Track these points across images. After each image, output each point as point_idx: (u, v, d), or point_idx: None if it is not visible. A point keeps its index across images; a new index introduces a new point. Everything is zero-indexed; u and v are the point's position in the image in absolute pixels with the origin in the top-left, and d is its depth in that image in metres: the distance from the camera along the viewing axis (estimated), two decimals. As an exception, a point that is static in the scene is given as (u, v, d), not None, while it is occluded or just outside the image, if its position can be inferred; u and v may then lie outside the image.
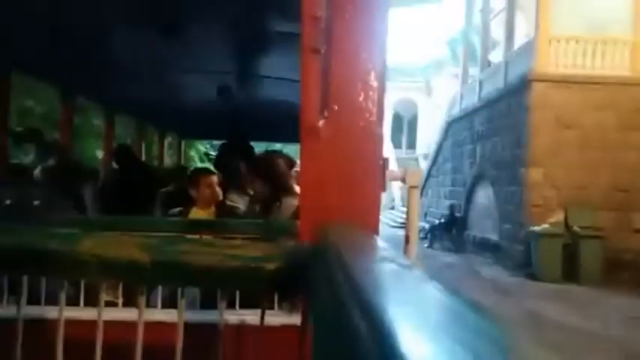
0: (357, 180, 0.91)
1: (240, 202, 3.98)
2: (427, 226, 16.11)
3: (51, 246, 0.90)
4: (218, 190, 3.59)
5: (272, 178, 3.08)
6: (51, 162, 3.69)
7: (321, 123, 1.00)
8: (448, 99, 19.12)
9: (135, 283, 1.00)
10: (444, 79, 26.83)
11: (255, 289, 1.00)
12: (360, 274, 0.54)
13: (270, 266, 0.85)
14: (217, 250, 0.87)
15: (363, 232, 0.84)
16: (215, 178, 3.64)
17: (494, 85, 13.53)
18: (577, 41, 11.15)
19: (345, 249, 0.68)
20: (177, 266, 0.88)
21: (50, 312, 1.82)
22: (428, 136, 25.95)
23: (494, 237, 12.89)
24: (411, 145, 32.52)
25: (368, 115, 0.88)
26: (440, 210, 16.95)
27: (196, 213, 3.43)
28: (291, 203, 2.97)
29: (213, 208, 3.50)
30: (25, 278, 1.47)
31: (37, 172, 3.65)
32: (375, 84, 0.88)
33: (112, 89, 4.77)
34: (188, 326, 1.11)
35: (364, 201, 0.91)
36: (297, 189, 2.98)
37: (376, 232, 0.89)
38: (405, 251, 1.09)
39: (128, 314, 1.81)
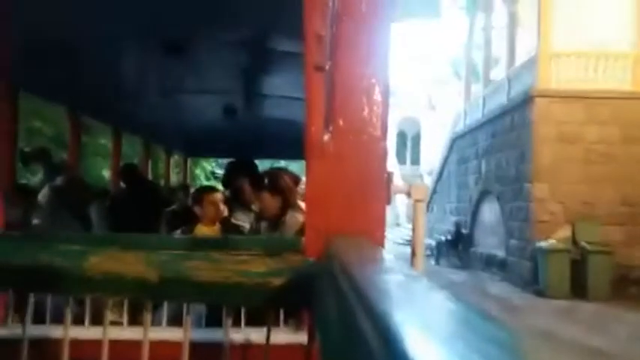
0: (361, 194, 0.91)
1: (246, 221, 3.99)
2: (433, 242, 16.03)
3: (57, 263, 0.90)
4: (222, 207, 3.59)
5: (279, 193, 3.09)
6: (59, 181, 3.70)
7: (325, 138, 1.00)
8: (451, 116, 19.17)
9: (141, 299, 0.99)
10: (446, 97, 26.94)
11: (261, 305, 0.99)
12: (368, 287, 0.53)
13: (276, 282, 0.84)
14: (223, 266, 0.86)
15: (369, 245, 0.83)
16: (219, 196, 3.64)
17: (498, 101, 13.57)
18: (579, 56, 11.19)
19: (351, 262, 0.68)
20: (183, 282, 0.87)
21: (55, 331, 1.81)
22: (432, 152, 25.98)
23: (500, 253, 12.80)
24: (415, 161, 32.55)
25: (372, 130, 0.88)
26: (446, 226, 16.88)
27: (200, 230, 3.43)
28: (296, 219, 2.97)
29: (217, 226, 3.50)
30: (30, 296, 1.46)
31: (43, 191, 3.66)
32: (378, 99, 0.88)
33: (119, 108, 4.81)
34: (193, 345, 1.10)
35: (369, 215, 0.90)
36: (303, 205, 2.98)
37: (382, 245, 0.88)
38: (412, 265, 1.09)
39: (133, 333, 1.80)
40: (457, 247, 15.32)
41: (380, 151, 0.89)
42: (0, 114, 3.34)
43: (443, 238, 15.87)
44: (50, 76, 3.58)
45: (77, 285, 0.91)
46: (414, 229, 1.17)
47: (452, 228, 15.86)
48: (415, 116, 31.46)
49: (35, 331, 1.89)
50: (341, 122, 0.91)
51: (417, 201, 1.12)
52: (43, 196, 3.56)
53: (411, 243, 1.18)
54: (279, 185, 3.13)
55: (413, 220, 1.17)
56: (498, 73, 15.08)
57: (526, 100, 11.47)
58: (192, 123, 5.81)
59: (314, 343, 0.91)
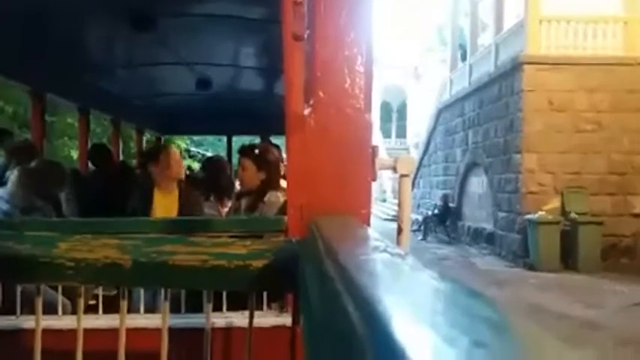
0: (345, 170, 0.91)
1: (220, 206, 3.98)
2: (420, 217, 16.19)
3: (25, 251, 0.89)
4: (181, 164, 3.52)
5: (265, 166, 3.09)
6: (32, 164, 3.63)
7: (306, 112, 0.99)
8: (438, 85, 19.19)
9: (115, 285, 0.99)
10: (433, 65, 26.90)
11: (242, 289, 0.99)
12: (352, 267, 0.53)
13: (258, 264, 0.84)
14: (201, 250, 0.86)
15: (353, 223, 0.83)
16: (177, 153, 3.58)
17: (485, 69, 13.60)
18: (568, 21, 11.23)
19: (335, 241, 0.68)
20: (159, 267, 0.87)
21: (26, 322, 1.80)
22: (418, 124, 26.04)
23: (489, 226, 13.00)
24: (401, 134, 32.62)
25: (355, 102, 0.88)
26: (433, 201, 17.05)
27: (158, 200, 3.34)
28: (278, 199, 2.97)
29: (176, 192, 3.42)
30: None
31: (13, 177, 3.60)
32: (361, 69, 0.87)
33: (85, 85, 4.71)
34: (173, 331, 1.10)
35: (354, 191, 0.90)
36: (284, 185, 2.98)
37: (368, 223, 0.88)
38: (398, 242, 1.09)
39: (109, 321, 1.80)
40: (445, 221, 15.50)
41: (364, 124, 0.89)
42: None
43: (430, 213, 16.03)
44: (9, 51, 3.48)
45: (47, 273, 0.90)
46: (399, 205, 1.18)
47: (439, 202, 16.02)
48: (400, 86, 31.41)
49: (5, 322, 1.88)
50: (322, 94, 0.90)
51: (402, 175, 1.12)
52: (12, 181, 3.49)
53: (397, 219, 1.19)
54: (267, 158, 3.13)
55: (398, 195, 1.17)
56: (486, 40, 15.08)
57: (514, 68, 11.51)
58: (165, 98, 5.74)
59: (298, 325, 0.92)
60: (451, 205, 15.49)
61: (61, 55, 3.66)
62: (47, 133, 5.46)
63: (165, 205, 3.31)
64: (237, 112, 5.95)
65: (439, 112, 17.60)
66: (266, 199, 3.06)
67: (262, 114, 4.62)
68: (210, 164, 5.01)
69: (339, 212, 0.88)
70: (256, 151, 3.20)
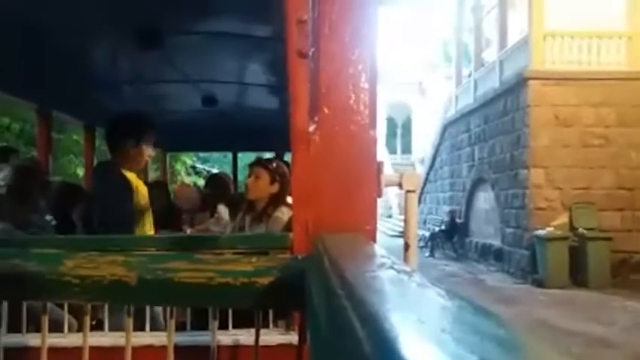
0: (351, 186, 0.91)
1: (226, 215, 3.98)
2: (427, 233, 16.12)
3: (30, 267, 0.89)
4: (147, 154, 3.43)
5: (278, 179, 3.10)
6: (5, 174, 3.63)
7: (311, 128, 1.00)
8: (443, 101, 19.24)
9: (121, 303, 0.98)
10: (437, 81, 27.00)
11: (248, 307, 0.99)
12: (359, 285, 0.53)
13: (263, 281, 0.84)
14: (207, 267, 0.86)
15: (359, 240, 0.83)
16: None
17: (490, 84, 13.63)
18: (572, 37, 11.27)
19: (341, 258, 0.68)
20: (164, 285, 0.87)
21: (32, 339, 1.80)
22: (423, 139, 26.05)
23: (496, 243, 12.92)
24: (406, 149, 32.62)
25: (360, 119, 0.88)
26: (439, 216, 16.99)
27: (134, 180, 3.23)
28: (283, 214, 2.97)
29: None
30: (4, 304, 1.45)
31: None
32: (366, 86, 0.88)
33: (91, 102, 4.75)
34: (178, 349, 1.10)
35: (360, 208, 0.90)
36: (289, 201, 2.99)
37: (374, 239, 0.88)
38: (405, 259, 1.09)
39: (115, 339, 1.79)
40: (452, 237, 15.43)
41: (369, 141, 0.89)
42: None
43: (437, 229, 15.97)
44: (16, 68, 3.52)
45: (53, 290, 0.90)
46: (406, 221, 1.18)
47: (446, 218, 15.96)
48: (405, 102, 31.49)
49: (11, 339, 1.88)
50: (326, 111, 0.90)
51: (408, 191, 1.12)
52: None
53: (404, 235, 1.19)
54: (281, 171, 3.14)
55: (405, 211, 1.17)
56: (490, 56, 15.14)
57: (519, 83, 11.53)
58: (170, 115, 5.77)
59: (305, 344, 0.91)
60: (458, 221, 15.43)
61: (68, 73, 3.70)
62: (53, 150, 5.49)
63: None
64: (242, 128, 5.98)
65: (444, 128, 17.62)
66: (273, 214, 3.07)
67: (268, 130, 4.64)
68: (214, 181, 5.03)
69: (344, 229, 0.88)
70: (273, 163, 3.22)
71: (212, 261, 0.87)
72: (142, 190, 2.99)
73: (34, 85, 3.94)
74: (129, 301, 0.97)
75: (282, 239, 2.09)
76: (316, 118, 0.96)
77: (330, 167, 0.97)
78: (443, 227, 15.82)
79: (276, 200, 3.10)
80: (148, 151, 3.15)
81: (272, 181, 3.13)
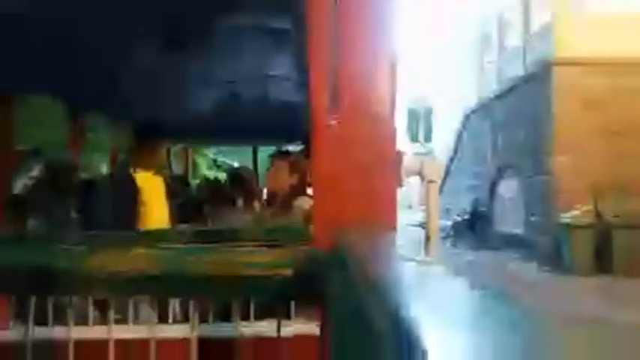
0: (371, 177, 0.90)
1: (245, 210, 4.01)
2: (449, 223, 16.01)
3: (57, 264, 0.91)
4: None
5: (298, 171, 3.13)
6: (36, 172, 3.70)
7: (331, 121, 1.00)
8: (465, 88, 19.01)
9: (145, 296, 1.00)
10: (460, 68, 26.65)
11: (270, 298, 1.00)
12: (381, 276, 0.53)
13: (285, 273, 0.85)
14: (228, 259, 0.86)
15: (380, 231, 0.83)
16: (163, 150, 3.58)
17: (514, 70, 13.43)
18: (599, 20, 11.01)
19: (363, 252, 0.68)
20: (187, 277, 0.88)
21: (58, 332, 1.83)
22: (445, 128, 25.79)
23: (521, 231, 12.78)
24: (428, 138, 32.35)
25: (380, 109, 0.88)
26: (462, 205, 16.85)
27: (140, 176, 3.27)
28: (306, 203, 2.98)
29: (159, 179, 3.38)
30: (31, 299, 1.48)
31: (26, 187, 3.67)
32: (386, 76, 0.87)
33: (117, 102, 4.81)
34: (202, 341, 1.11)
35: (380, 199, 0.90)
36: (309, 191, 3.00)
37: (394, 230, 0.88)
38: (426, 250, 1.08)
39: (139, 332, 1.82)
40: (475, 226, 15.30)
41: (389, 132, 0.89)
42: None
43: (459, 218, 15.85)
44: (48, 71, 3.57)
45: (79, 285, 0.92)
46: (427, 212, 1.17)
47: (469, 207, 15.83)
48: (427, 90, 31.19)
49: (38, 333, 1.92)
50: (346, 102, 0.90)
51: (430, 182, 1.11)
52: (27, 190, 3.55)
53: (425, 226, 1.18)
54: (301, 165, 3.16)
55: (425, 201, 1.16)
56: (514, 41, 14.89)
57: (544, 69, 11.34)
58: (192, 110, 5.81)
59: (327, 335, 0.92)
60: (481, 209, 15.29)
61: (98, 74, 3.75)
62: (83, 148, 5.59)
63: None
64: (263, 121, 5.99)
65: (467, 116, 17.43)
66: (296, 203, 3.08)
67: (288, 123, 4.64)
68: (237, 174, 5.05)
69: (365, 220, 0.88)
70: (291, 156, 3.25)
71: (234, 254, 0.88)
72: (149, 188, 3.04)
73: (67, 87, 4.01)
74: (153, 295, 0.98)
75: (303, 231, 2.10)
76: (336, 110, 0.96)
77: (350, 158, 0.97)
78: (466, 216, 15.69)
79: (296, 191, 3.11)
80: (161, 150, 3.21)
81: (291, 173, 3.14)
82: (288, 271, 0.86)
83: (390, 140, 0.89)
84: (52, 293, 1.40)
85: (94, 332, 1.81)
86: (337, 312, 0.73)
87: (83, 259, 0.93)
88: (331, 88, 0.98)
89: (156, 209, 3.12)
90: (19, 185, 3.73)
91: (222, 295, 1.05)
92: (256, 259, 0.88)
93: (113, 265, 0.88)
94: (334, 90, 0.97)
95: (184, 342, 1.10)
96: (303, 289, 0.87)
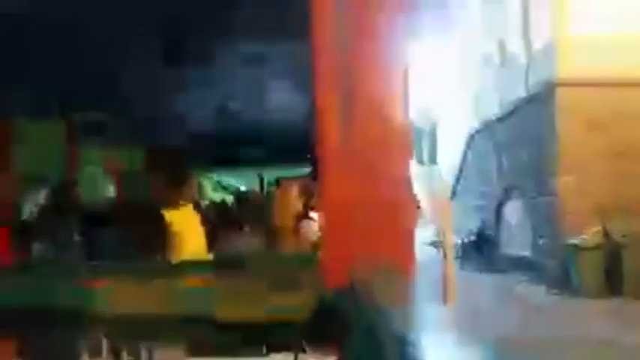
0: (386, 213, 0.89)
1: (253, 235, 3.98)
2: (457, 243, 15.85)
3: (65, 303, 0.89)
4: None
5: (306, 195, 3.14)
6: (43, 198, 3.71)
7: (343, 146, 0.98)
8: (468, 109, 19.03)
9: (160, 340, 0.97)
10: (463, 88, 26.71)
11: (286, 341, 0.98)
12: (398, 318, 0.52)
13: (301, 315, 0.83)
14: (244, 300, 0.85)
15: (396, 268, 0.82)
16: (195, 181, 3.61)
17: (516, 91, 13.44)
18: (601, 41, 11.02)
19: (379, 292, 0.67)
20: (199, 321, 0.86)
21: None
22: (450, 148, 25.75)
23: (528, 253, 12.67)
24: (433, 159, 32.29)
25: (395, 141, 0.87)
26: (468, 227, 16.73)
27: (173, 214, 3.27)
28: (311, 229, 2.97)
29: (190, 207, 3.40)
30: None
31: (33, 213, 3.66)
32: (400, 111, 0.86)
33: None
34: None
35: (395, 234, 0.89)
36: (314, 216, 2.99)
37: (413, 270, 0.86)
38: (444, 272, 1.07)
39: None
40: (482, 249, 15.18)
41: (405, 169, 0.88)
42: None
43: (466, 240, 15.73)
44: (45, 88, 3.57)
45: (89, 328, 0.90)
46: (442, 232, 1.15)
47: (475, 229, 15.72)
48: (431, 109, 31.22)
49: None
50: (362, 136, 0.89)
51: (442, 204, 1.10)
52: (34, 216, 3.55)
53: (440, 245, 1.16)
54: (309, 189, 3.17)
55: (440, 221, 1.14)
56: (514, 60, 14.91)
57: (547, 90, 11.35)
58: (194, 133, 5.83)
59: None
60: (488, 232, 15.19)
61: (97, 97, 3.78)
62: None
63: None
64: (268, 143, 5.99)
65: (471, 136, 17.42)
66: (302, 229, 3.07)
67: (294, 145, 4.66)
68: (244, 197, 5.04)
69: (380, 257, 0.86)
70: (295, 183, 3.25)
71: (250, 294, 0.86)
72: (181, 217, 3.06)
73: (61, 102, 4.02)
74: (168, 339, 0.96)
75: (311, 259, 2.07)
76: (350, 142, 0.95)
77: (365, 193, 0.95)
78: (472, 238, 15.57)
79: (303, 214, 3.12)
80: (193, 179, 3.26)
81: (300, 195, 3.14)
82: (305, 313, 0.85)
83: (407, 178, 0.88)
84: (60, 332, 1.36)
85: None
86: (355, 352, 0.72)
87: (92, 299, 0.91)
88: (342, 114, 0.97)
89: (191, 238, 3.11)
90: (27, 211, 3.73)
91: (238, 341, 1.03)
92: (275, 302, 0.86)
93: (120, 305, 0.86)
94: (346, 117, 0.96)
95: None
96: (319, 330, 0.86)
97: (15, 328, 1.04)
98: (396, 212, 0.87)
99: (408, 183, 0.86)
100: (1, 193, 3.36)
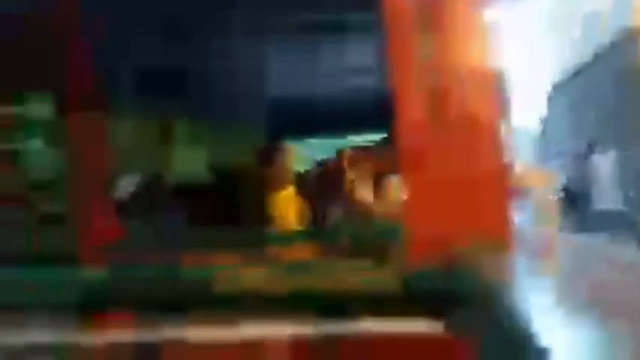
0: (477, 192, 0.88)
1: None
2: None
3: (179, 282, 0.97)
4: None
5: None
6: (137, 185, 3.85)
7: (429, 129, 0.97)
8: (547, 63, 18.08)
9: (268, 311, 1.03)
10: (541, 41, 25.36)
11: (386, 314, 1.00)
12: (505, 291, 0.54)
13: (394, 289, 0.85)
14: (343, 276, 0.89)
15: (496, 241, 0.82)
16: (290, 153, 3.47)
17: (600, 39, 12.60)
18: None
19: (482, 266, 0.68)
20: (301, 293, 0.91)
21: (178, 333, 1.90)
22: (528, 108, 24.68)
23: (620, 208, 12.03)
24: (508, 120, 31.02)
25: (486, 119, 0.86)
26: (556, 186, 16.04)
27: (277, 198, 3.24)
28: (395, 183, 2.91)
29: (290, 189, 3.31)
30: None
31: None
32: (493, 84, 0.85)
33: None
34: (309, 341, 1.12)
35: (489, 209, 0.88)
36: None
37: (510, 244, 0.85)
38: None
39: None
40: (571, 207, 14.53)
41: (496, 143, 0.87)
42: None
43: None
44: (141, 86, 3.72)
45: (203, 304, 0.97)
46: (544, 227, 1.12)
47: (563, 187, 15.07)
48: (507, 69, 29.91)
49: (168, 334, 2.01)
50: (450, 111, 0.89)
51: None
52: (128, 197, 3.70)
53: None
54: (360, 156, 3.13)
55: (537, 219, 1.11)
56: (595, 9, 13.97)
57: (630, 37, 10.60)
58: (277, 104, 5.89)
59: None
60: (576, 189, 14.51)
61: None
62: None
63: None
64: (343, 113, 5.96)
65: (553, 93, 16.60)
66: (382, 182, 3.01)
67: (367, 114, 4.62)
68: (323, 167, 5.05)
69: (474, 233, 0.86)
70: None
71: (348, 269, 0.90)
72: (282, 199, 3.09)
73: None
74: (276, 310, 1.02)
75: (394, 231, 2.07)
76: (436, 118, 0.95)
77: (450, 165, 0.94)
78: (562, 196, 14.91)
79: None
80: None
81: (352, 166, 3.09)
82: (400, 287, 0.87)
83: (499, 152, 0.87)
84: (175, 312, 1.45)
85: (213, 333, 1.89)
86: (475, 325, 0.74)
87: (206, 276, 0.98)
88: (429, 87, 0.94)
89: (290, 219, 3.14)
90: (122, 191, 3.92)
91: (339, 314, 1.06)
92: (373, 277, 0.89)
93: (237, 282, 0.92)
94: (434, 98, 0.95)
95: (296, 341, 1.14)
96: (417, 304, 0.88)
97: (133, 307, 1.13)
98: (492, 183, 0.85)
99: (502, 150, 0.84)
100: (101, 167, 3.51)
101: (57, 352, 1.49)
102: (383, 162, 3.29)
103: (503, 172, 0.87)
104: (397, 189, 2.99)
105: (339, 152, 3.26)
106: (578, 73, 13.64)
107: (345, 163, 3.09)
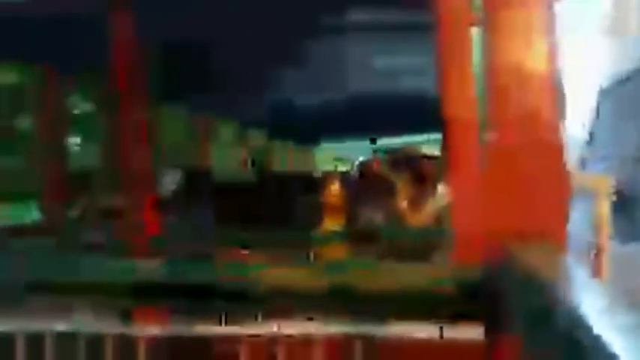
0: (533, 189, 0.86)
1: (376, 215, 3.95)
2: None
3: (219, 280, 0.97)
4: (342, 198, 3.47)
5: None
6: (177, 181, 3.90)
7: (473, 111, 0.95)
8: (594, 65, 17.43)
9: (309, 311, 1.02)
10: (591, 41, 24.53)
11: (429, 315, 0.98)
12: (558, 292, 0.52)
13: (444, 290, 0.83)
14: (386, 274, 0.87)
15: (550, 241, 0.79)
16: (337, 186, 3.52)
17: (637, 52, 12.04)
18: None
19: (535, 266, 0.66)
20: (341, 292, 0.89)
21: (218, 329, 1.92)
22: (577, 106, 23.89)
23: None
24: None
25: (545, 118, 0.83)
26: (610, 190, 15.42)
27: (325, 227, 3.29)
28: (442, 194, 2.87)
29: (342, 220, 3.36)
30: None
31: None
32: (551, 83, 0.82)
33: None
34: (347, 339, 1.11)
35: (544, 213, 0.85)
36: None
37: (564, 246, 0.82)
38: (595, 263, 1.01)
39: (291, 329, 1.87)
40: (623, 213, 13.95)
41: (557, 143, 0.83)
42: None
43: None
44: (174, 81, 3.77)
45: (242, 302, 0.97)
46: (597, 229, 1.09)
47: (616, 190, 14.49)
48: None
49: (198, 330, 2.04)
50: (501, 102, 0.86)
51: (600, 197, 1.03)
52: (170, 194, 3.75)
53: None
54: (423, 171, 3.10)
55: (595, 218, 1.08)
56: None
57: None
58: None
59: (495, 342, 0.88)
60: (627, 193, 13.94)
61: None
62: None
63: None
64: (380, 114, 5.91)
65: (602, 91, 15.99)
66: (438, 191, 2.98)
67: (406, 115, 4.57)
68: (366, 167, 5.01)
69: (528, 235, 0.83)
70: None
71: (390, 269, 0.88)
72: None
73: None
74: (318, 310, 1.01)
75: (440, 233, 2.04)
76: (491, 115, 0.92)
77: (505, 160, 0.92)
78: (613, 200, 14.34)
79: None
80: None
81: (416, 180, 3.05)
82: (447, 289, 0.85)
83: (558, 150, 0.84)
84: (212, 311, 1.46)
85: (259, 329, 1.89)
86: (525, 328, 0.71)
87: (246, 274, 0.98)
88: (488, 94, 0.91)
89: (337, 211, 3.19)
90: (164, 189, 3.99)
91: (380, 313, 1.05)
92: (416, 277, 0.88)
93: (276, 281, 0.92)
94: (489, 92, 0.93)
95: (335, 340, 1.13)
96: (464, 304, 0.86)
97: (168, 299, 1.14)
98: (553, 182, 0.82)
99: (563, 150, 0.81)
100: (144, 165, 3.59)
101: (100, 341, 1.52)
102: (426, 168, 3.24)
103: (563, 172, 0.84)
104: (440, 196, 2.94)
105: (380, 156, 3.24)
106: (628, 78, 13.09)
107: (387, 167, 3.06)
